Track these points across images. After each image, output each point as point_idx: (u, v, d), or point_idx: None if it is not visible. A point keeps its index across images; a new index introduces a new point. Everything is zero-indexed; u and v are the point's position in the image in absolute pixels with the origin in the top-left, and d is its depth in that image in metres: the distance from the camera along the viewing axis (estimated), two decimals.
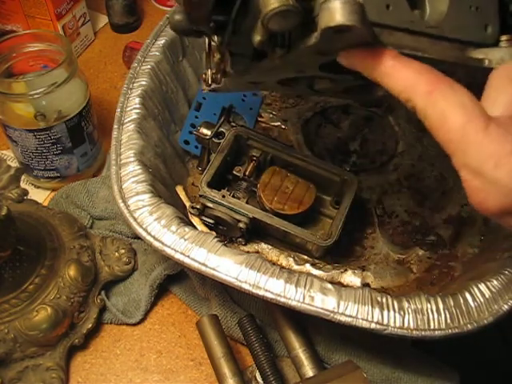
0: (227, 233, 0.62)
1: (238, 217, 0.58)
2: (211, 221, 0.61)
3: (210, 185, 0.59)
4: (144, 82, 0.61)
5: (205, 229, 0.61)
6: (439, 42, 0.36)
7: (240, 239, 0.62)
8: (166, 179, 0.61)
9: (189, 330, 0.59)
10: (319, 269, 0.61)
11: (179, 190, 0.64)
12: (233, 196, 0.60)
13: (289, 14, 0.32)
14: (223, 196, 0.59)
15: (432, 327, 0.44)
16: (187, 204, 0.63)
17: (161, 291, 0.60)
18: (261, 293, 0.46)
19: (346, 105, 0.76)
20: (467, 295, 0.46)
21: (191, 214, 0.61)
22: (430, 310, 0.45)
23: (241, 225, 0.58)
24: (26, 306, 0.52)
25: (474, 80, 0.37)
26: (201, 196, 0.59)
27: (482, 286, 0.45)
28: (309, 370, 0.51)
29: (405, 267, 0.62)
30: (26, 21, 0.83)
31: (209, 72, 0.45)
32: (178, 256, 0.48)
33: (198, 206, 0.59)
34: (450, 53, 0.37)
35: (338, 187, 0.61)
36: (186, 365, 0.57)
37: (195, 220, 0.61)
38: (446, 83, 0.32)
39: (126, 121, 0.57)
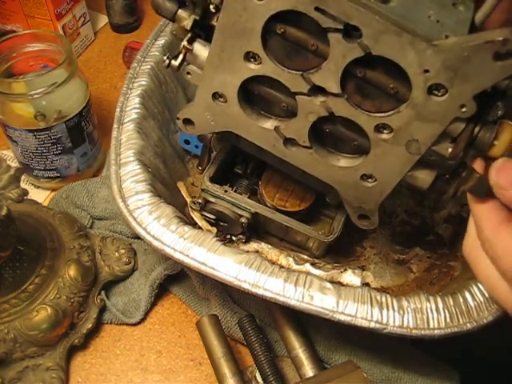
0: (228, 229, 0.62)
1: (239, 212, 0.58)
2: (212, 216, 0.60)
3: (212, 181, 0.59)
4: (144, 82, 0.61)
5: (205, 224, 0.61)
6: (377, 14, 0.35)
7: (241, 236, 0.62)
8: (166, 179, 0.61)
9: (189, 330, 0.59)
10: (319, 268, 0.61)
11: (180, 185, 0.64)
12: (234, 192, 0.60)
13: None
14: (225, 191, 0.58)
15: (431, 326, 0.44)
16: (188, 199, 0.63)
17: (161, 291, 0.60)
18: (260, 292, 0.46)
19: None
20: (467, 294, 0.46)
21: (192, 209, 0.61)
22: (429, 310, 0.45)
23: (243, 220, 0.58)
24: (26, 306, 0.52)
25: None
26: (203, 190, 0.59)
27: (482, 286, 0.45)
28: (309, 370, 0.51)
29: (404, 267, 0.62)
30: (26, 21, 0.83)
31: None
32: (177, 255, 0.48)
33: (199, 201, 0.59)
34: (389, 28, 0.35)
35: None
36: (186, 365, 0.57)
37: (196, 215, 0.61)
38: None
39: (125, 120, 0.57)
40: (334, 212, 0.61)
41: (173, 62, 0.46)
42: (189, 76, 0.47)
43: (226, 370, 0.50)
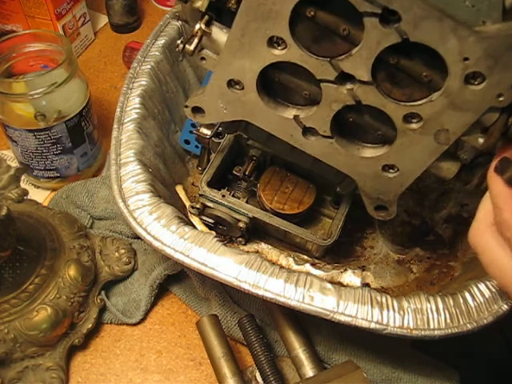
0: (227, 233, 0.62)
1: (237, 216, 0.58)
2: (211, 220, 0.61)
3: (210, 184, 0.59)
4: (144, 82, 0.61)
5: (205, 228, 0.61)
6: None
7: (240, 239, 0.62)
8: (166, 179, 0.61)
9: (189, 330, 0.59)
10: (319, 269, 0.61)
11: (179, 189, 0.64)
12: (233, 196, 0.60)
13: None
14: (223, 196, 0.59)
15: (432, 327, 0.44)
16: (187, 204, 0.63)
17: (161, 291, 0.60)
18: (260, 292, 0.46)
19: None
20: (467, 295, 0.46)
21: (191, 213, 0.61)
22: (429, 310, 0.45)
23: (241, 224, 0.58)
24: (25, 306, 0.52)
25: None
26: (201, 195, 0.59)
27: (482, 286, 0.45)
28: (309, 370, 0.51)
29: (405, 267, 0.62)
30: (26, 21, 0.83)
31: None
32: (177, 256, 0.48)
33: (197, 206, 0.59)
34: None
35: None
36: (186, 365, 0.57)
37: (195, 220, 0.61)
38: None
39: (125, 121, 0.57)
40: (334, 211, 0.62)
41: (187, 46, 0.43)
42: (203, 61, 0.45)
43: (226, 370, 0.50)
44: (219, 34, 0.42)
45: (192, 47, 0.42)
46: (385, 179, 0.45)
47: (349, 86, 0.41)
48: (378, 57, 0.38)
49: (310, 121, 0.45)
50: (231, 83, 0.45)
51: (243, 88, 0.44)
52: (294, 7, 0.37)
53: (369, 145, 0.46)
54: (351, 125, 0.45)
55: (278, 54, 0.41)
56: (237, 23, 0.40)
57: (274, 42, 0.40)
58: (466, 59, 0.35)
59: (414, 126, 0.41)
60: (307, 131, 0.46)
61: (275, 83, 0.44)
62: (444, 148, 0.41)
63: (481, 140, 0.40)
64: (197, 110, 0.49)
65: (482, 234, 0.39)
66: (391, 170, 0.45)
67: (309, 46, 0.40)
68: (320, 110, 0.43)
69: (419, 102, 0.39)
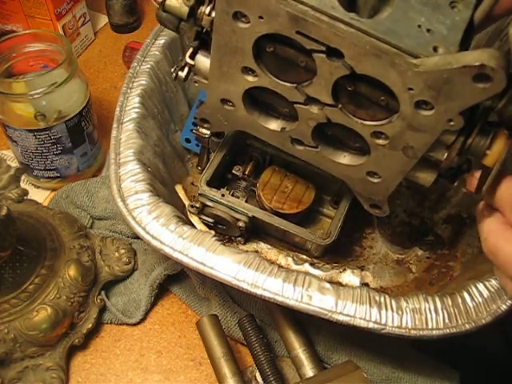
0: (226, 232, 0.62)
1: (237, 215, 0.58)
2: (210, 220, 0.61)
3: (210, 183, 0.59)
4: (144, 82, 0.61)
5: (204, 228, 0.61)
6: (358, 32, 0.36)
7: (239, 238, 0.62)
8: (165, 178, 0.61)
9: (189, 330, 0.59)
10: (318, 268, 0.61)
11: (178, 189, 0.64)
12: (232, 195, 0.60)
13: None
14: (222, 195, 0.58)
15: (430, 327, 0.44)
16: (186, 203, 0.63)
17: (161, 291, 0.60)
18: (259, 292, 0.46)
19: None
20: (465, 295, 0.46)
21: (190, 212, 0.61)
22: (428, 310, 0.45)
23: (240, 224, 0.58)
24: (25, 306, 0.52)
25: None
26: (200, 195, 0.59)
27: (481, 286, 0.45)
28: (309, 370, 0.51)
29: (404, 267, 0.62)
30: (26, 21, 0.83)
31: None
32: (176, 255, 0.48)
33: (197, 205, 0.59)
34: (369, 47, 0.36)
35: (338, 187, 0.61)
36: (186, 365, 0.57)
37: (194, 219, 0.61)
38: None
39: (125, 120, 0.57)
40: (333, 211, 0.62)
41: (179, 73, 0.48)
42: (196, 84, 0.49)
43: (226, 369, 0.50)
44: (205, 62, 0.46)
45: (183, 74, 0.48)
46: (371, 183, 0.48)
47: (317, 107, 0.43)
48: (336, 83, 0.40)
49: (294, 133, 0.48)
50: (224, 101, 0.48)
51: (234, 105, 0.48)
52: (256, 43, 0.41)
53: (351, 154, 0.48)
54: (331, 137, 0.48)
55: (251, 80, 0.44)
56: (213, 56, 0.44)
57: (247, 70, 0.44)
58: (410, 89, 0.37)
59: (381, 141, 0.43)
60: (294, 141, 0.49)
61: (260, 101, 0.48)
62: (414, 161, 0.43)
63: (446, 156, 0.42)
64: (204, 120, 0.53)
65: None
66: (375, 176, 0.47)
67: (276, 74, 0.43)
68: (300, 125, 0.47)
69: (381, 123, 0.41)
